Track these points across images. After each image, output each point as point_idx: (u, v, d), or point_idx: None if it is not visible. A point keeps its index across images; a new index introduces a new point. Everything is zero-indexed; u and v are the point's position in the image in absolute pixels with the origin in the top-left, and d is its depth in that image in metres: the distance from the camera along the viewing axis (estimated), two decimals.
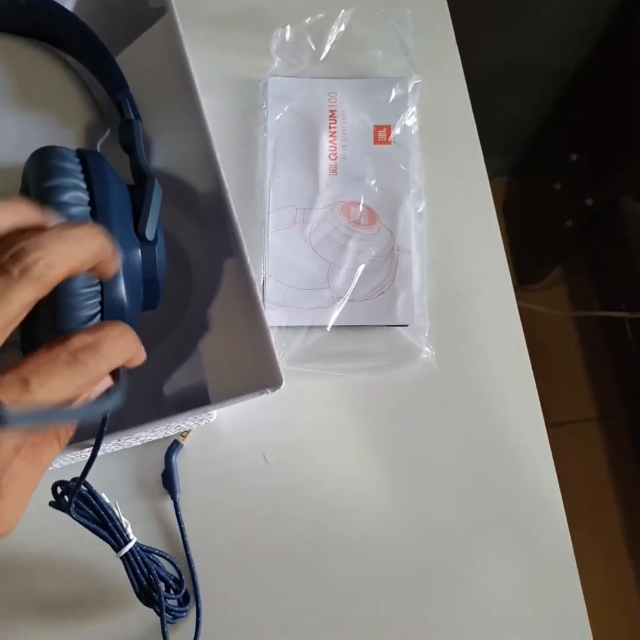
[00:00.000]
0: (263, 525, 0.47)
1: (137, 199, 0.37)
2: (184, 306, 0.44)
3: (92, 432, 0.35)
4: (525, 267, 1.39)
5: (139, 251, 0.35)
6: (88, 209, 0.33)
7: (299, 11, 0.53)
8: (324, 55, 0.52)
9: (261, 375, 0.41)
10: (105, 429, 0.34)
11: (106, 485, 0.42)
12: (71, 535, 0.44)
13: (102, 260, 0.29)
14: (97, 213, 0.33)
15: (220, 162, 0.42)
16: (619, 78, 1.02)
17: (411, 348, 0.49)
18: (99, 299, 0.32)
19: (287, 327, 0.49)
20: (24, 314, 0.27)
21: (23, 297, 0.26)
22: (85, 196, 0.33)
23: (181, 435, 0.47)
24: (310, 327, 0.49)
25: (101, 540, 0.42)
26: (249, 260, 0.41)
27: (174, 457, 0.47)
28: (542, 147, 1.30)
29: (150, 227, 0.36)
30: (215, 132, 0.50)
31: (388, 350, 0.49)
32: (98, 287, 0.32)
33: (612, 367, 1.30)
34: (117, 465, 0.47)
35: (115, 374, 0.31)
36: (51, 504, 0.41)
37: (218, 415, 0.48)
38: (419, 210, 0.51)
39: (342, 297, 0.49)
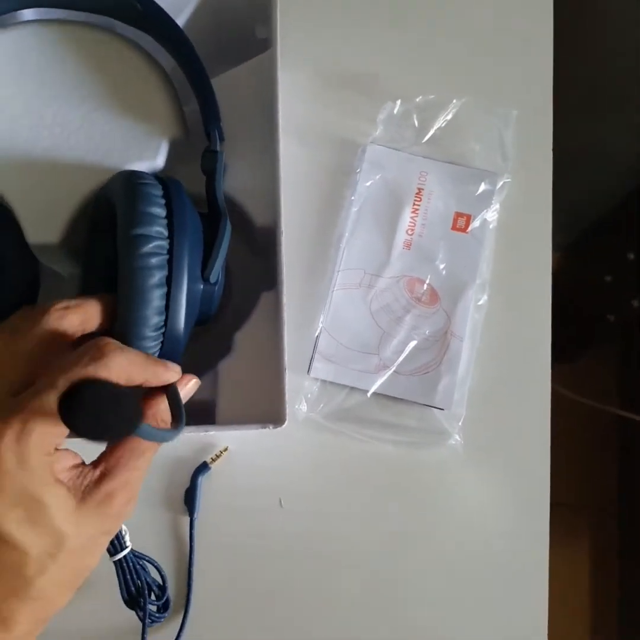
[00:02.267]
0: (264, 563, 0.49)
1: (207, 229, 0.39)
2: (214, 324, 0.47)
3: None
4: (557, 346, 1.40)
5: (201, 288, 0.38)
6: (166, 257, 0.36)
7: (411, 86, 0.55)
8: (426, 137, 0.55)
9: (268, 409, 0.43)
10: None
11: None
12: None
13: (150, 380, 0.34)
14: (174, 249, 0.36)
15: (282, 201, 0.44)
16: None
17: (442, 432, 0.51)
18: (163, 330, 0.36)
19: (331, 382, 0.51)
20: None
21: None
22: (165, 231, 0.36)
23: (211, 457, 0.50)
24: (352, 388, 0.51)
25: None
26: (284, 298, 0.43)
27: (200, 478, 0.49)
28: (603, 237, 1.31)
29: (216, 271, 0.39)
30: (304, 182, 0.52)
31: (419, 429, 0.51)
32: (162, 330, 0.36)
33: (617, 464, 1.31)
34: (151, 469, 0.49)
35: (177, 413, 0.34)
36: None
37: (247, 449, 0.50)
38: (479, 302, 0.53)
39: (388, 367, 0.52)
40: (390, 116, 0.55)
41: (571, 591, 1.30)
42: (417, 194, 0.55)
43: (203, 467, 0.49)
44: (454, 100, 0.54)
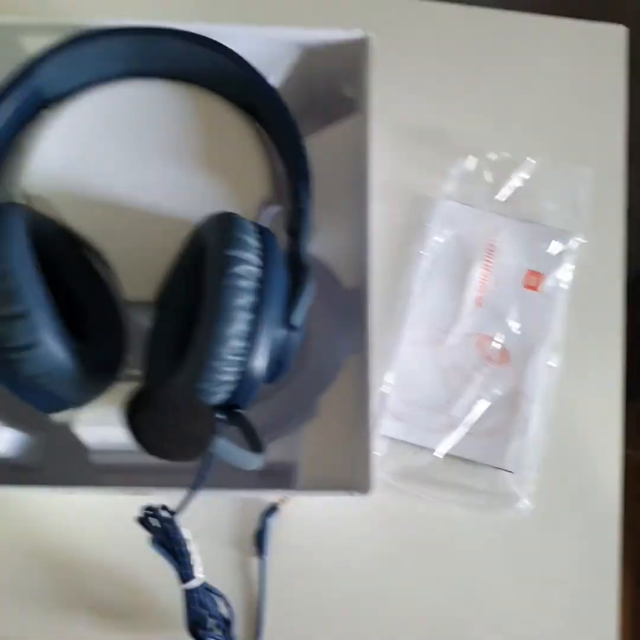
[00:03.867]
0: (329, 616, 0.49)
1: (291, 282, 0.39)
2: (296, 386, 0.47)
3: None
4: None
5: (283, 334, 0.38)
6: (256, 285, 0.36)
7: (485, 143, 0.55)
8: (499, 194, 0.54)
9: (354, 476, 0.43)
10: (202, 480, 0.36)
11: (205, 524, 0.44)
12: (142, 553, 0.45)
13: None
14: (263, 291, 0.36)
15: (373, 266, 0.44)
16: None
17: (511, 495, 0.50)
18: (240, 368, 0.35)
19: (400, 442, 0.51)
20: None
21: None
22: (257, 273, 0.36)
23: (280, 500, 0.49)
24: (421, 448, 0.51)
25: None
26: (373, 362, 0.43)
27: (269, 520, 0.49)
28: None
29: (298, 316, 0.39)
30: (376, 236, 0.52)
31: (488, 491, 0.51)
32: (242, 358, 0.35)
33: None
34: (222, 508, 0.49)
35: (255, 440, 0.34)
36: (138, 519, 0.42)
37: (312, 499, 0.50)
38: (551, 363, 0.52)
39: (457, 427, 0.51)
40: (464, 172, 0.55)
41: None
42: (488, 250, 0.54)
43: (272, 509, 0.49)
44: (528, 159, 0.54)
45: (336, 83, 0.52)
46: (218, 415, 0.37)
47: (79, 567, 0.48)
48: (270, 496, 0.47)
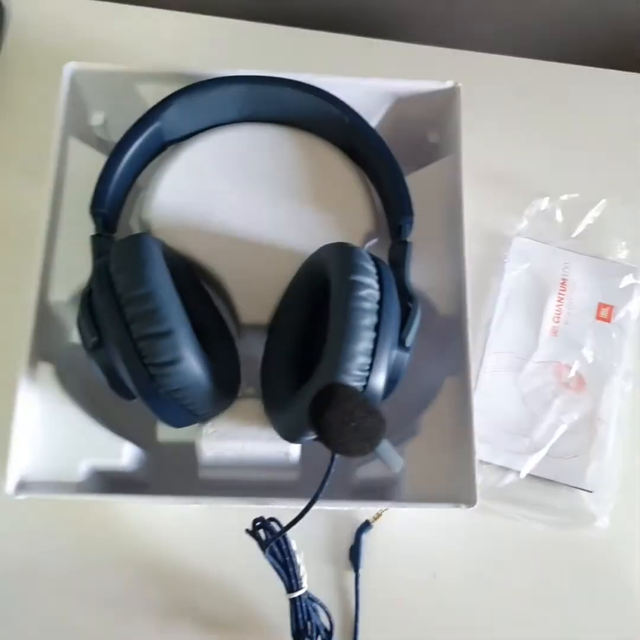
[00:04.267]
0: (420, 627, 0.51)
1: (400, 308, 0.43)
2: (401, 404, 0.50)
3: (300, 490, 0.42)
4: None
5: (396, 353, 0.41)
6: (377, 307, 0.39)
7: (559, 187, 0.59)
8: (572, 232, 0.58)
9: (459, 489, 0.45)
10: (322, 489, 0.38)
11: (303, 537, 0.46)
12: (248, 563, 0.47)
13: None
14: (382, 313, 0.39)
15: (467, 294, 0.48)
16: None
17: (591, 515, 0.53)
18: (364, 383, 0.38)
19: (484, 462, 0.53)
20: None
21: None
22: (377, 297, 0.40)
23: (373, 517, 0.52)
24: (505, 468, 0.53)
25: (275, 577, 0.46)
26: (471, 382, 0.46)
27: (362, 536, 0.51)
28: None
29: (411, 337, 0.42)
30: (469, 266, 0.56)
31: (568, 510, 0.53)
32: (367, 373, 0.38)
33: None
34: (316, 524, 0.52)
35: None
36: (248, 531, 0.44)
37: (405, 512, 0.52)
38: (625, 389, 0.55)
39: (539, 449, 0.54)
40: (538, 212, 0.59)
41: None
42: (561, 284, 0.58)
43: (365, 526, 0.51)
44: (602, 201, 0.58)
45: (422, 129, 0.56)
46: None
47: (187, 579, 0.51)
48: (375, 508, 0.50)
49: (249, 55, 0.63)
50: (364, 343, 0.38)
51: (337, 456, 0.40)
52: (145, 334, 0.38)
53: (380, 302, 0.40)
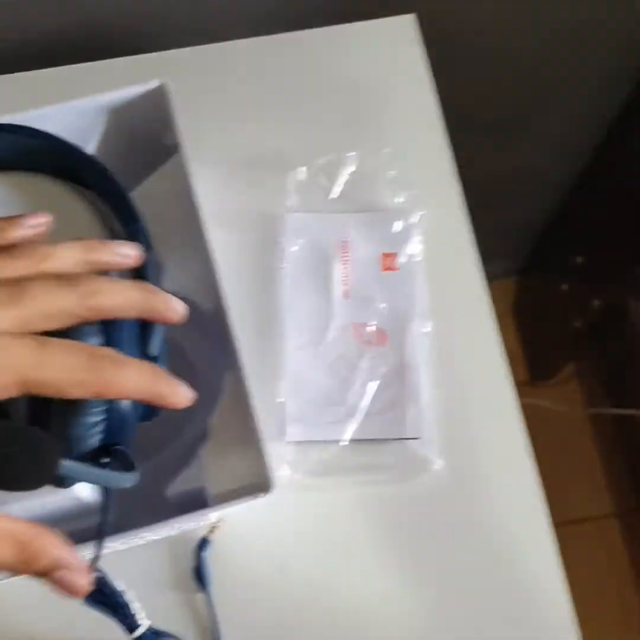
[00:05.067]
0: (282, 633, 0.49)
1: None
2: (188, 414, 0.48)
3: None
4: (537, 364, 1.42)
5: None
6: (100, 327, 0.37)
7: (313, 152, 0.59)
8: (335, 194, 0.58)
9: (255, 480, 0.44)
10: (107, 525, 0.37)
11: (138, 574, 0.45)
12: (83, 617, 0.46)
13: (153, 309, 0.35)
14: (110, 330, 0.37)
15: (221, 284, 0.47)
16: (620, 184, 1.09)
17: (423, 460, 0.52)
18: (104, 406, 0.36)
19: (306, 442, 0.53)
20: (59, 324, 0.31)
21: (64, 302, 0.31)
22: None
23: (208, 532, 0.50)
24: (326, 442, 0.53)
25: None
26: (245, 372, 0.45)
27: (203, 553, 0.50)
28: (548, 250, 1.36)
29: (155, 346, 0.40)
30: (236, 263, 0.55)
31: (401, 463, 0.53)
32: (106, 405, 0.36)
33: (626, 464, 1.31)
34: (152, 554, 0.50)
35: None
36: None
37: (242, 518, 0.51)
38: (425, 330, 0.55)
39: (355, 413, 0.53)
40: (299, 183, 0.58)
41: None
42: (342, 247, 0.58)
43: (204, 543, 0.50)
44: (354, 153, 0.58)
45: (154, 135, 0.55)
46: (103, 459, 0.38)
47: None
48: (195, 531, 0.48)
49: None
50: None
51: (108, 493, 0.38)
52: None
53: (105, 322, 0.38)
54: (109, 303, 0.34)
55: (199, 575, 0.50)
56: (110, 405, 0.37)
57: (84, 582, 0.30)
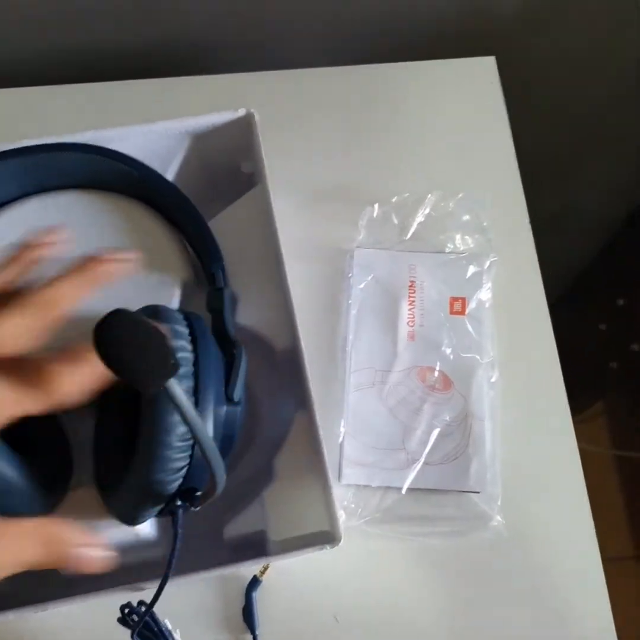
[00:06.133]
0: None
1: (224, 359, 0.40)
2: (252, 453, 0.48)
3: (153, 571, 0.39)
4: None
5: (225, 410, 0.38)
6: (192, 369, 0.37)
7: (387, 190, 0.58)
8: (408, 233, 0.57)
9: (321, 531, 0.43)
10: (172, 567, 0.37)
11: (185, 609, 0.44)
12: None
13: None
14: (199, 374, 0.37)
15: (299, 324, 0.46)
16: None
17: (482, 515, 0.51)
18: (189, 452, 0.36)
19: (364, 486, 0.51)
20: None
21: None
22: (191, 357, 0.37)
23: (259, 571, 0.49)
24: (386, 488, 0.51)
25: None
26: (317, 415, 0.44)
27: (253, 594, 0.49)
28: (589, 289, 1.34)
29: (238, 390, 0.39)
30: (302, 295, 0.54)
31: (460, 516, 0.51)
32: (190, 442, 0.36)
33: None
34: (202, 592, 0.49)
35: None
36: (119, 620, 0.42)
37: (290, 561, 0.50)
38: (492, 379, 0.54)
39: (417, 460, 0.52)
40: (371, 219, 0.57)
41: None
42: (410, 286, 0.57)
43: (254, 582, 0.49)
44: (429, 195, 0.57)
45: (234, 160, 0.54)
46: (178, 502, 0.37)
47: None
48: (245, 569, 0.47)
49: (34, 123, 0.60)
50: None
51: (180, 532, 0.38)
52: None
53: (195, 363, 0.37)
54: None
55: (248, 616, 0.49)
56: (194, 450, 0.36)
57: (102, 556, 0.32)
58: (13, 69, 0.65)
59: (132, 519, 0.40)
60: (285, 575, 0.50)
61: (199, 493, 0.38)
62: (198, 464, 0.37)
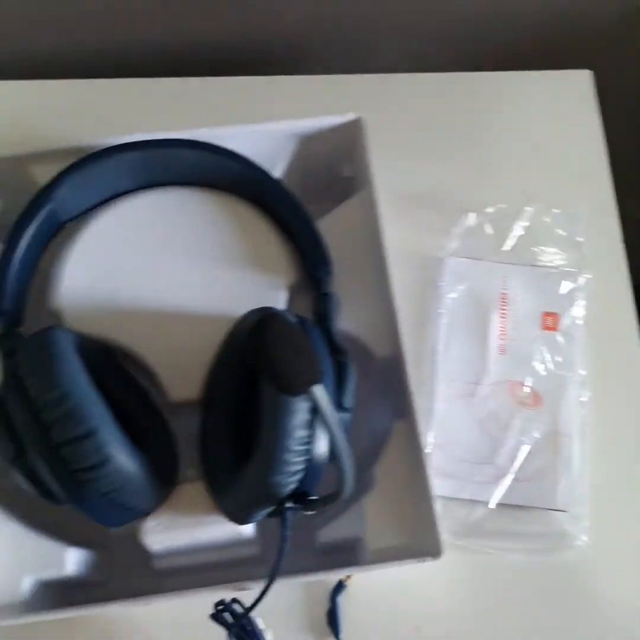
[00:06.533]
0: None
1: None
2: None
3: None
4: None
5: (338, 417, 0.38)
6: None
7: (479, 199, 0.58)
8: (505, 245, 0.57)
9: (421, 542, 0.43)
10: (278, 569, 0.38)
11: (272, 610, 0.44)
12: None
13: None
14: None
15: (402, 332, 0.46)
16: None
17: (568, 535, 0.51)
18: (306, 457, 0.37)
19: (450, 498, 0.51)
20: None
21: None
22: None
23: (346, 577, 0.49)
24: (473, 501, 0.51)
25: None
26: (419, 425, 0.44)
27: (337, 598, 0.49)
28: None
29: (349, 398, 0.40)
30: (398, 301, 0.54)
31: (545, 534, 0.51)
32: (308, 446, 0.36)
33: None
34: (288, 594, 0.49)
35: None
36: (211, 616, 0.42)
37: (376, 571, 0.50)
38: (582, 398, 0.54)
39: (504, 475, 0.52)
40: (466, 228, 0.57)
41: None
42: (502, 299, 0.56)
43: (339, 587, 0.49)
44: (526, 208, 0.57)
45: (335, 163, 0.54)
46: (289, 505, 0.38)
47: None
48: (339, 575, 0.48)
49: (142, 113, 0.61)
50: (300, 415, 0.36)
51: (288, 534, 0.38)
52: (66, 439, 0.36)
53: None
54: None
55: (332, 620, 0.49)
56: (310, 455, 0.36)
57: None
58: (120, 59, 0.66)
59: (243, 518, 0.41)
60: (369, 582, 0.49)
61: (313, 497, 0.38)
62: (312, 468, 0.37)
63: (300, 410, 0.36)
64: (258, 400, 0.38)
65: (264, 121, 0.50)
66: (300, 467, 0.37)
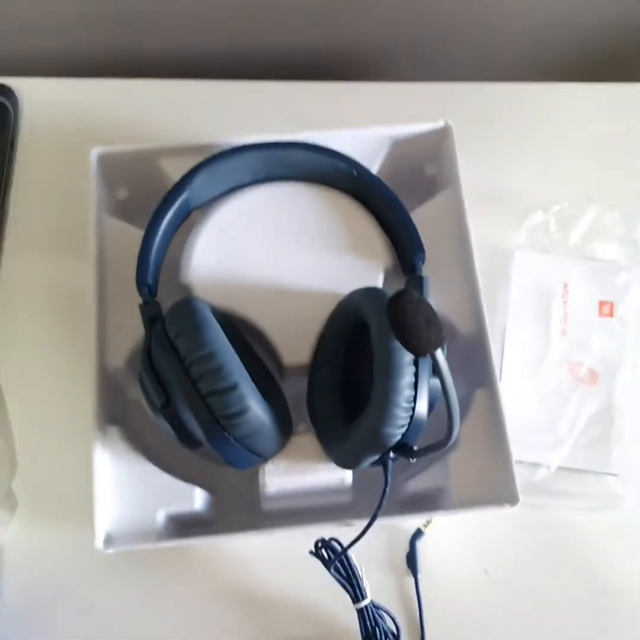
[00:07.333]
0: (483, 623, 0.55)
1: None
2: (439, 424, 0.54)
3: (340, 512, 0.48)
4: None
5: (432, 381, 0.46)
6: None
7: (545, 198, 0.65)
8: (568, 241, 0.63)
9: (501, 491, 0.50)
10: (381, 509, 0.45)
11: (362, 550, 0.50)
12: (314, 582, 0.52)
13: None
14: None
15: (484, 312, 0.53)
16: None
17: (618, 496, 0.58)
18: (410, 412, 0.44)
19: (516, 461, 0.58)
20: None
21: None
22: None
23: (423, 524, 0.56)
24: (536, 464, 0.58)
25: (341, 591, 0.50)
26: (500, 392, 0.51)
27: (416, 543, 0.56)
28: None
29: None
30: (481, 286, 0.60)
31: (598, 495, 0.58)
32: (412, 404, 0.44)
33: None
34: (372, 537, 0.53)
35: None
36: (311, 552, 0.49)
37: (449, 519, 0.57)
38: (635, 378, 0.61)
39: (563, 443, 0.59)
40: (534, 225, 0.64)
41: None
42: (563, 288, 0.63)
43: (418, 533, 0.56)
44: (589, 208, 0.63)
45: (420, 163, 0.61)
46: (393, 455, 0.45)
47: (267, 603, 0.56)
48: (425, 518, 0.55)
49: (248, 114, 0.68)
50: (407, 377, 0.43)
51: (390, 479, 0.45)
52: (213, 390, 0.43)
53: None
54: None
55: (411, 562, 0.56)
56: (414, 411, 0.43)
57: None
58: (227, 62, 0.74)
59: (351, 464, 0.48)
60: (444, 531, 0.57)
61: (416, 447, 0.45)
62: (415, 423, 0.44)
63: (408, 373, 0.44)
64: (366, 363, 0.45)
65: (363, 126, 0.57)
66: (405, 421, 0.44)
